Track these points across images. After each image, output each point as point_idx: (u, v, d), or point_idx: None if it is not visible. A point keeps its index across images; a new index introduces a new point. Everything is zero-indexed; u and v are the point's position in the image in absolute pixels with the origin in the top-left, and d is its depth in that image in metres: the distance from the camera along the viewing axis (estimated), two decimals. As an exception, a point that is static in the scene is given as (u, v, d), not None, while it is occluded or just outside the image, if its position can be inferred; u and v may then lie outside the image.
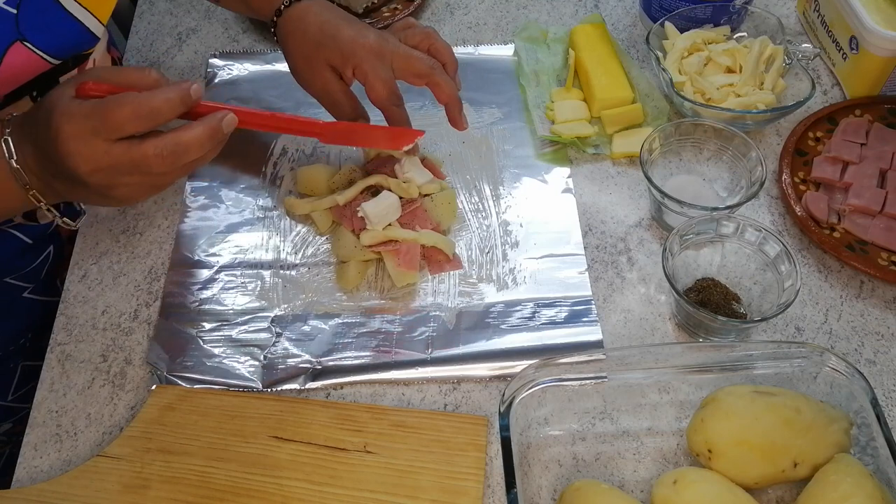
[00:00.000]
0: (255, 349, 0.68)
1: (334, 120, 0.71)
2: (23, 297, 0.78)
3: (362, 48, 0.67)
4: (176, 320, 0.69)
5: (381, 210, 0.70)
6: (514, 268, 0.73)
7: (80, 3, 0.64)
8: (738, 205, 0.70)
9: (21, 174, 0.58)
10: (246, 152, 0.81)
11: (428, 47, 0.70)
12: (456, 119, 0.72)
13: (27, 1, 0.61)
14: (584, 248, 0.74)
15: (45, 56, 0.62)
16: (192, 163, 0.57)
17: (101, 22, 0.64)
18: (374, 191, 0.73)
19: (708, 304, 0.67)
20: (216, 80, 0.88)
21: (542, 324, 0.69)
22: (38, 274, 0.79)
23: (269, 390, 0.66)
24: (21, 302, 0.79)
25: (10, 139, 0.57)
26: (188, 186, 0.79)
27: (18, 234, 0.74)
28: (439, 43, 0.71)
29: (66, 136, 0.53)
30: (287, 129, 0.69)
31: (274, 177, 0.80)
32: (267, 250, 0.74)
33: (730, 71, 0.83)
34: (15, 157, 0.57)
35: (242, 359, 0.67)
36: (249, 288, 0.72)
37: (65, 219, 0.64)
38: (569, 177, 0.79)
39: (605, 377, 0.61)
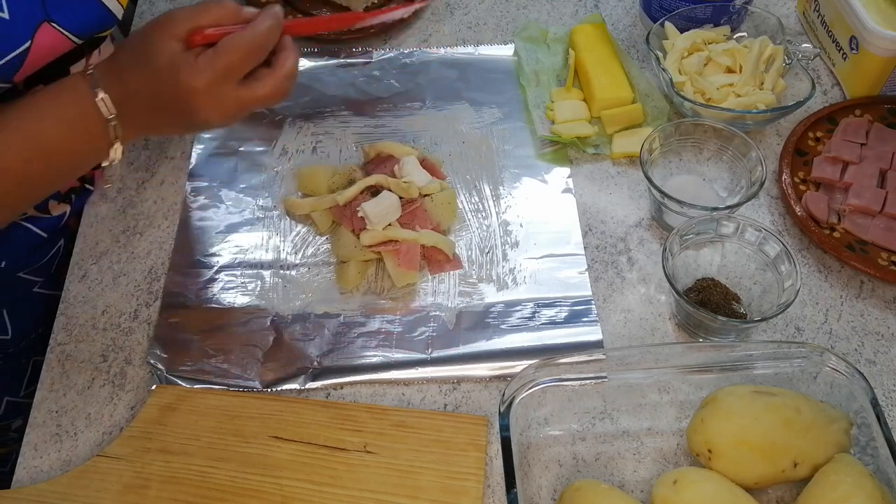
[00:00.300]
0: (255, 349, 0.68)
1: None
2: (33, 292, 0.79)
3: None
4: (176, 320, 0.69)
5: (381, 210, 0.70)
6: (514, 268, 0.73)
7: None
8: (738, 205, 0.70)
9: (118, 129, 0.60)
10: (246, 152, 0.81)
11: None
12: None
13: None
14: (584, 248, 0.74)
15: (69, 36, 0.63)
16: (292, 78, 0.62)
17: (119, 2, 0.65)
18: (374, 191, 0.73)
19: (708, 304, 0.67)
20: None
21: (542, 324, 0.69)
22: (48, 268, 0.79)
23: (269, 390, 0.66)
24: (32, 297, 0.79)
25: (106, 97, 0.58)
26: (188, 186, 0.79)
27: (32, 227, 0.74)
28: None
29: (199, 91, 0.57)
30: (327, 27, 0.75)
31: (274, 177, 0.80)
32: (267, 250, 0.74)
33: (730, 71, 0.83)
34: (115, 114, 0.59)
35: (242, 359, 0.67)
36: (249, 288, 0.72)
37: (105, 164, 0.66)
38: (569, 177, 0.79)
39: (605, 377, 0.61)
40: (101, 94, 0.58)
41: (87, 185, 0.78)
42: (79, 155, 0.62)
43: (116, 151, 0.62)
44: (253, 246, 0.75)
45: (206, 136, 0.83)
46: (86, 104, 0.59)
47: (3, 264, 0.74)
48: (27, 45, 0.59)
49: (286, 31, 0.62)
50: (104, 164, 0.63)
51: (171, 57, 0.57)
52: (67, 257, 0.76)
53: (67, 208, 0.76)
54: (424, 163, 0.75)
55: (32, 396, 0.66)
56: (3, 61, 0.58)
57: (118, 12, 0.66)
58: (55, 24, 0.61)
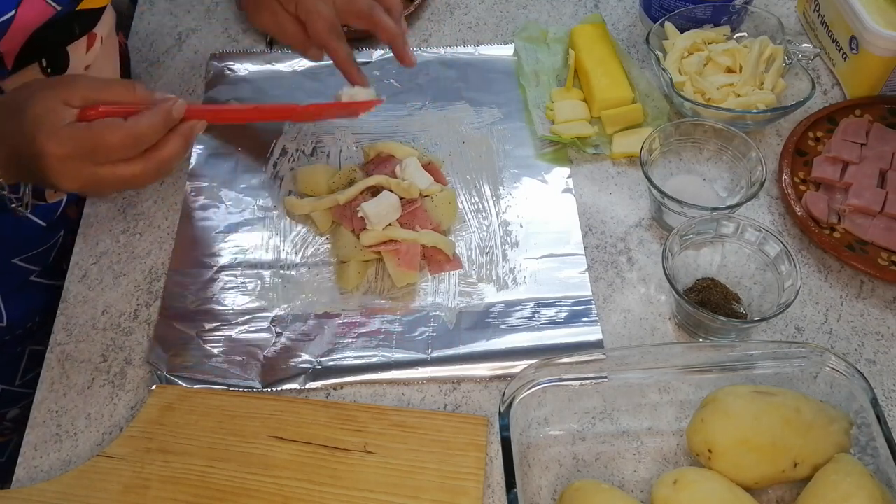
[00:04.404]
0: (255, 349, 0.68)
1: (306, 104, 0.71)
2: (30, 281, 0.79)
3: None
4: (176, 320, 0.69)
5: (381, 210, 0.70)
6: (514, 268, 0.73)
7: None
8: (738, 205, 0.70)
9: None
10: (246, 153, 0.81)
11: None
12: (401, 53, 0.74)
13: None
14: (584, 248, 0.74)
15: (53, 4, 0.62)
16: (168, 163, 0.59)
17: None
18: (374, 191, 0.73)
19: (708, 304, 0.67)
20: (216, 81, 0.88)
21: (542, 324, 0.69)
22: (46, 257, 0.79)
23: (269, 390, 0.66)
24: (29, 285, 0.79)
25: None
26: (188, 186, 0.79)
27: (31, 216, 0.74)
28: None
29: (53, 157, 0.54)
30: (258, 117, 0.71)
31: (274, 177, 0.80)
32: (267, 250, 0.74)
33: (730, 71, 0.83)
34: None
35: (242, 359, 0.67)
36: (249, 288, 0.72)
37: (18, 206, 0.64)
38: (569, 177, 0.79)
39: (605, 377, 0.61)
40: None
41: None
42: None
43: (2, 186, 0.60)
44: (253, 246, 0.75)
45: (206, 135, 0.83)
46: None
47: None
48: (11, 14, 0.59)
49: (195, 115, 0.60)
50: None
51: (42, 113, 0.55)
52: (68, 250, 0.76)
53: (64, 196, 0.76)
54: (429, 167, 0.75)
55: (28, 386, 0.66)
56: None
57: None
58: None
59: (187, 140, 0.59)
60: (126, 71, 0.87)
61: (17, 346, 0.82)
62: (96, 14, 0.72)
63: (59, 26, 0.67)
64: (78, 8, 0.68)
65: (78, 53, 0.72)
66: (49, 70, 0.69)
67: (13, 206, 0.63)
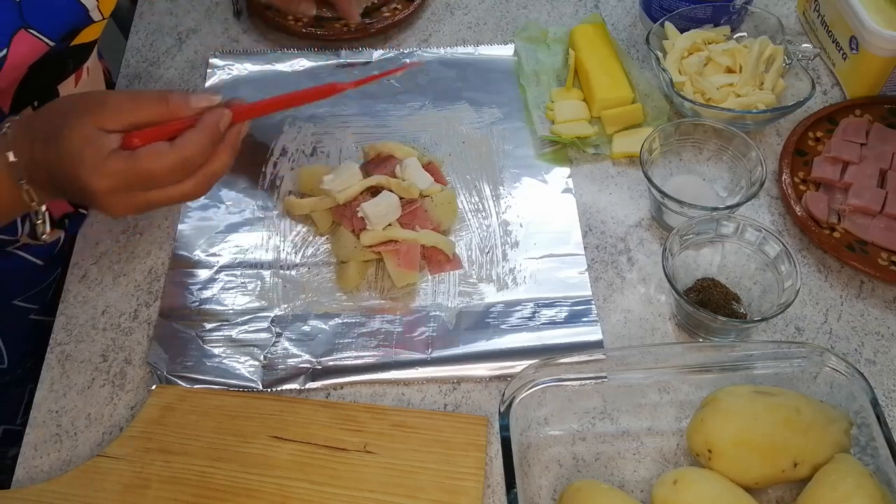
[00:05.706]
0: (255, 349, 0.68)
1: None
2: (30, 319, 0.78)
3: None
4: (176, 320, 0.69)
5: (380, 210, 0.70)
6: (514, 268, 0.73)
7: None
8: (738, 205, 0.70)
9: (32, 192, 0.56)
10: (246, 152, 0.81)
11: None
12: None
13: None
14: (584, 248, 0.74)
15: (45, 40, 0.61)
16: (218, 176, 0.58)
17: (97, 2, 0.64)
18: (374, 191, 0.72)
19: (708, 304, 0.67)
20: (216, 81, 0.88)
21: (542, 324, 0.69)
22: (45, 296, 0.78)
23: (269, 390, 0.66)
24: (28, 324, 0.78)
25: (17, 161, 0.55)
26: (188, 186, 0.79)
27: (26, 255, 0.73)
28: None
29: (100, 192, 0.53)
30: (300, 101, 0.65)
31: (274, 177, 0.80)
32: (267, 250, 0.74)
33: (730, 71, 0.83)
34: (25, 179, 0.55)
35: (242, 359, 0.67)
36: (249, 288, 0.72)
37: (44, 236, 0.63)
38: (569, 177, 0.79)
39: (605, 377, 0.61)
40: (12, 157, 0.54)
41: (82, 210, 0.78)
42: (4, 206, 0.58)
43: (41, 207, 0.58)
44: (253, 246, 0.75)
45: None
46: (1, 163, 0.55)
47: None
48: (3, 52, 0.58)
49: (241, 116, 0.57)
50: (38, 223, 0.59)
51: (80, 146, 0.52)
52: (62, 282, 0.75)
53: (62, 234, 0.75)
54: (428, 167, 0.75)
55: None
56: None
57: (93, 11, 0.64)
58: (33, 31, 0.59)
59: (235, 149, 0.57)
60: None
61: (17, 386, 0.81)
62: (89, 48, 0.70)
63: (53, 63, 0.65)
64: (72, 44, 0.66)
65: (67, 89, 0.71)
66: None
67: (38, 230, 0.61)
